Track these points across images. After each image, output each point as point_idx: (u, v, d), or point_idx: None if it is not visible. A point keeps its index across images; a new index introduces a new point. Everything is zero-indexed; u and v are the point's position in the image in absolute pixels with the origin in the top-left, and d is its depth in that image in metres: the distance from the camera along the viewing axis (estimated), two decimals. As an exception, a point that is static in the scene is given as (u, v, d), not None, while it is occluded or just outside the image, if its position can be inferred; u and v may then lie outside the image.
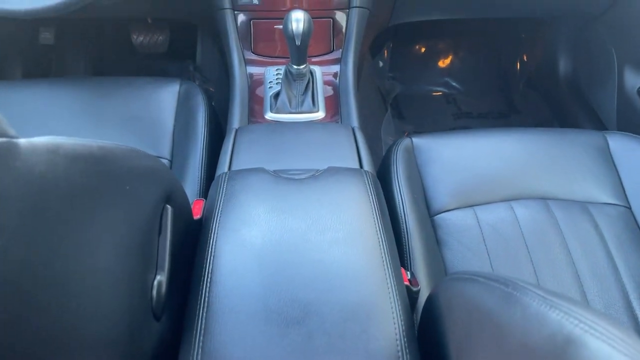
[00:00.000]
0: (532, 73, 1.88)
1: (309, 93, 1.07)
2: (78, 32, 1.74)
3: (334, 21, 1.16)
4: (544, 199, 0.99)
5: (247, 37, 1.16)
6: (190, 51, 1.79)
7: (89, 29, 1.75)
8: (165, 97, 1.10)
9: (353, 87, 1.11)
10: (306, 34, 0.96)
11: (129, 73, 1.58)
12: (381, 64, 1.88)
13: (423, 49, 1.97)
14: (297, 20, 0.94)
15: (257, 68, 1.16)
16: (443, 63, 1.98)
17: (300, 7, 1.02)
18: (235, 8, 1.14)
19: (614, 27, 1.46)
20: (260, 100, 1.09)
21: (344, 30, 1.17)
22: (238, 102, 1.08)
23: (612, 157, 1.05)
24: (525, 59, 1.91)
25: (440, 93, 1.95)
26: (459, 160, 1.04)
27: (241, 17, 1.15)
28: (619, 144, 1.06)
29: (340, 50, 1.17)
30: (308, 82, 1.07)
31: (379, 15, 1.32)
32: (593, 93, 1.62)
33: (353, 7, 1.15)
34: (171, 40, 1.79)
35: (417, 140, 1.07)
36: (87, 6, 0.95)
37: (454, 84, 1.95)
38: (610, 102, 1.51)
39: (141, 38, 1.75)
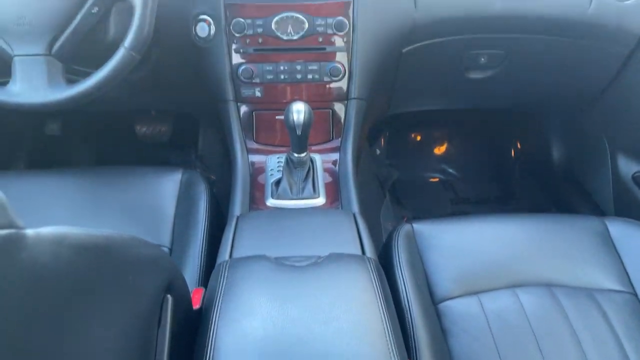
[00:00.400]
0: (527, 160, 1.93)
1: (310, 180, 1.08)
2: (83, 123, 1.79)
3: (333, 112, 1.20)
4: (548, 285, 0.98)
5: (249, 127, 1.20)
6: (192, 141, 1.83)
7: (95, 120, 1.81)
8: (167, 185, 1.11)
9: (352, 174, 1.13)
10: (307, 124, 0.99)
11: (132, 162, 1.61)
12: (378, 151, 1.92)
13: (419, 137, 2.03)
14: (298, 111, 0.98)
15: (259, 156, 1.18)
16: (439, 150, 2.03)
17: (300, 99, 1.06)
18: (239, 100, 1.19)
19: (603, 116, 1.52)
20: (262, 188, 1.11)
21: (342, 120, 1.21)
22: (240, 189, 1.09)
23: (613, 243, 1.05)
24: (519, 146, 1.96)
25: (437, 179, 1.99)
26: (461, 246, 1.03)
27: (244, 109, 1.20)
28: (619, 230, 1.06)
29: (340, 139, 1.20)
30: (309, 170, 1.09)
31: (376, 105, 1.37)
32: (588, 179, 1.65)
33: (351, 99, 1.20)
34: (174, 130, 1.85)
35: (417, 226, 1.07)
36: (95, 99, 0.99)
37: (450, 170, 1.99)
38: (606, 188, 1.53)
39: (145, 129, 1.81)
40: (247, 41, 1.15)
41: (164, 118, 1.83)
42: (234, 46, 1.16)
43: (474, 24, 1.27)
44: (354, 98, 1.19)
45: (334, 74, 1.17)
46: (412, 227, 1.07)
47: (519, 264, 1.01)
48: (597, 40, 1.29)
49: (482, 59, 1.38)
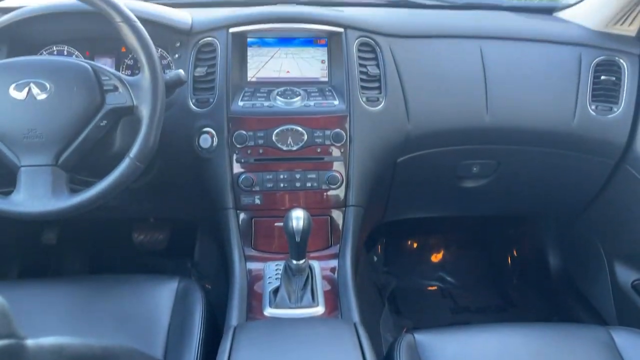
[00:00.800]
0: (524, 267, 1.92)
1: (309, 288, 1.07)
2: (80, 232, 1.79)
3: (332, 219, 1.22)
4: None
5: (248, 234, 1.21)
6: (188, 248, 1.83)
7: (91, 227, 1.81)
8: (163, 294, 1.09)
9: (352, 281, 1.12)
10: (306, 231, 1.00)
11: (128, 270, 1.59)
12: (375, 258, 1.92)
13: (415, 244, 2.03)
14: (298, 218, 0.99)
15: (257, 264, 1.17)
16: (436, 258, 2.02)
17: (299, 206, 1.08)
18: (238, 208, 1.21)
19: (596, 224, 1.54)
20: (259, 297, 1.09)
21: (341, 227, 1.22)
22: (237, 298, 1.08)
23: (620, 354, 1.02)
24: (515, 254, 1.96)
25: (435, 287, 1.96)
26: (465, 358, 1.00)
27: (243, 216, 1.21)
28: (625, 341, 1.04)
29: (338, 245, 1.21)
30: (307, 277, 1.08)
31: (373, 213, 1.39)
32: (587, 287, 1.64)
33: (349, 206, 1.22)
34: (171, 238, 1.85)
35: (419, 337, 1.04)
36: (95, 208, 1.00)
37: (448, 278, 1.97)
38: (606, 295, 1.52)
39: (142, 237, 1.81)
40: (249, 152, 1.19)
41: (161, 225, 1.84)
42: (235, 156, 1.20)
43: (464, 136, 1.33)
44: (352, 205, 1.22)
45: (332, 182, 1.20)
46: (414, 337, 1.04)
47: None
48: (583, 152, 1.35)
49: (475, 169, 1.42)
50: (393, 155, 1.31)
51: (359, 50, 1.26)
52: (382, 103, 1.24)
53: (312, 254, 1.17)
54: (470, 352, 1.02)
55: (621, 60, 1.31)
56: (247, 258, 1.18)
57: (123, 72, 1.27)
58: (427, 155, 1.36)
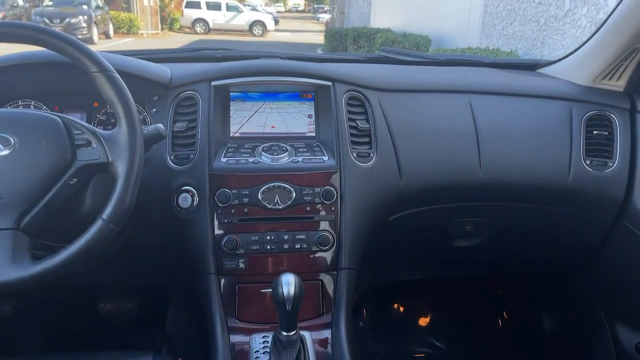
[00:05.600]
0: (517, 331, 1.83)
1: (301, 363, 0.96)
2: (38, 302, 1.63)
3: (322, 283, 1.12)
4: None
5: (231, 302, 1.09)
6: (159, 318, 1.68)
7: (51, 297, 1.65)
8: None
9: (349, 355, 1.01)
10: (297, 298, 0.90)
11: (93, 345, 1.44)
12: (362, 324, 1.80)
13: (402, 309, 1.93)
14: (288, 283, 0.90)
15: (242, 336, 1.06)
16: (424, 322, 1.92)
17: (288, 270, 0.98)
18: (221, 273, 1.10)
19: (595, 284, 1.48)
20: None
21: (332, 292, 1.12)
22: None
23: None
24: (506, 316, 1.88)
25: (424, 354, 1.84)
26: None
27: (225, 282, 1.10)
28: None
29: (330, 314, 1.10)
30: (299, 351, 0.97)
31: (363, 276, 1.30)
32: (586, 351, 1.55)
33: (341, 269, 1.12)
34: (140, 307, 1.70)
35: None
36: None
37: (437, 343, 1.86)
38: (607, 358, 1.43)
39: (108, 306, 1.65)
40: (232, 211, 1.10)
41: (130, 293, 1.70)
42: (217, 217, 1.10)
43: (458, 192, 1.28)
44: (345, 268, 1.12)
45: (323, 244, 1.11)
46: None
47: None
48: (580, 208, 1.31)
49: (468, 227, 1.36)
50: (385, 213, 1.24)
51: (348, 105, 1.21)
52: (373, 159, 1.18)
53: (302, 324, 1.06)
54: None
55: (612, 115, 1.29)
56: (231, 330, 1.06)
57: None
58: (420, 214, 1.29)
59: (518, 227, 1.37)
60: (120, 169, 0.90)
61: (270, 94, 1.24)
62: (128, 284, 1.63)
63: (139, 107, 1.17)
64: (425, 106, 1.29)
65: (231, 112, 1.22)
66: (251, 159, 1.13)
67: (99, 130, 0.94)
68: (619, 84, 1.32)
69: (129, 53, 1.33)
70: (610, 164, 1.27)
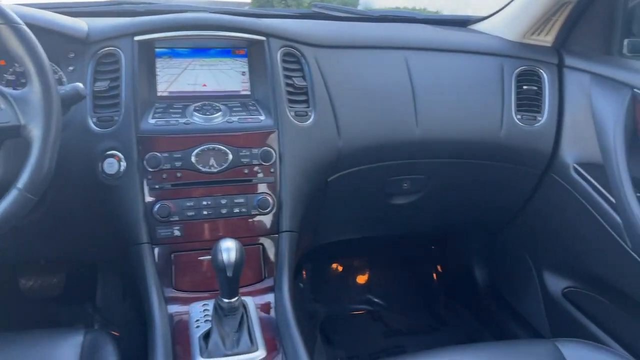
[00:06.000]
0: (451, 284, 1.90)
1: (245, 329, 0.93)
2: None
3: (264, 247, 1.09)
4: None
5: (167, 272, 1.04)
6: (88, 293, 1.59)
7: None
8: (66, 352, 0.90)
9: (293, 317, 0.99)
10: (239, 264, 0.87)
11: (16, 324, 1.34)
12: (302, 286, 1.80)
13: (341, 268, 1.94)
14: (228, 249, 0.86)
15: (180, 306, 1.01)
16: (362, 280, 1.95)
17: (227, 236, 0.94)
18: (154, 242, 1.04)
19: (523, 234, 1.54)
20: (187, 344, 0.93)
21: (274, 256, 1.09)
22: (160, 349, 0.91)
23: None
24: (441, 271, 1.94)
25: (364, 311, 1.88)
26: None
27: (160, 251, 1.04)
28: (574, 354, 1.00)
29: (272, 277, 1.08)
30: (242, 317, 0.94)
31: (304, 237, 1.28)
32: (517, 299, 1.63)
33: (283, 232, 1.09)
34: (66, 281, 1.60)
35: None
36: None
37: (376, 300, 1.90)
38: (537, 306, 1.51)
39: (31, 282, 1.55)
40: (164, 176, 1.03)
41: (55, 267, 1.59)
42: (147, 182, 1.03)
43: (396, 150, 1.27)
44: (286, 231, 1.09)
45: (263, 207, 1.08)
46: None
47: None
48: (512, 162, 1.34)
49: (405, 185, 1.37)
50: (324, 174, 1.22)
51: (284, 61, 1.15)
52: (312, 117, 1.15)
53: (243, 289, 1.03)
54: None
55: (541, 70, 1.32)
56: (168, 300, 1.01)
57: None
58: (358, 173, 1.28)
59: (453, 183, 1.39)
60: (35, 132, 0.82)
61: (200, 50, 1.16)
62: (54, 258, 1.53)
63: (53, 66, 1.05)
64: (362, 63, 1.26)
65: (157, 69, 1.13)
66: (182, 120, 1.06)
67: (7, 89, 0.84)
68: (547, 39, 1.34)
69: (39, 5, 1.20)
70: (539, 118, 1.30)
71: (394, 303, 1.89)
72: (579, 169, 1.25)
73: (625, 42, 1.27)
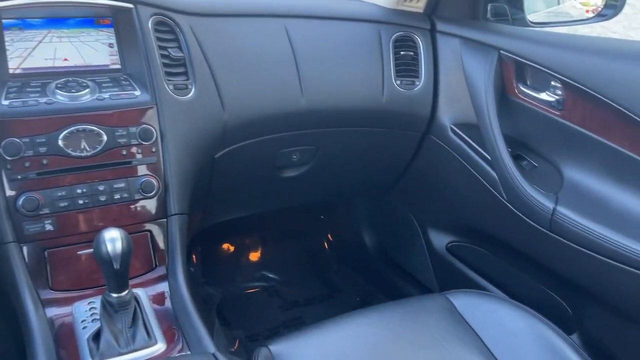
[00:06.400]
0: (342, 251, 1.94)
1: (140, 323, 0.86)
2: None
3: (152, 234, 1.01)
4: None
5: (41, 272, 0.92)
6: None
7: None
8: None
9: (192, 304, 0.93)
10: (126, 254, 0.80)
11: None
12: (192, 269, 1.72)
13: (232, 248, 1.90)
14: (113, 239, 0.79)
15: (61, 308, 0.91)
16: (255, 257, 1.92)
17: (110, 225, 0.85)
18: (22, 240, 0.91)
19: (406, 196, 1.61)
20: (74, 349, 0.84)
21: (163, 242, 1.02)
22: (42, 358, 0.81)
23: (463, 318, 1.04)
24: (332, 239, 1.97)
25: (260, 288, 1.86)
26: (330, 358, 0.93)
27: (30, 249, 0.92)
28: (464, 303, 1.07)
29: (164, 265, 1.00)
30: (135, 311, 0.86)
31: (193, 219, 1.21)
32: (405, 259, 1.71)
33: (172, 216, 1.02)
34: None
35: (276, 348, 0.93)
36: None
37: (271, 275, 1.89)
38: (424, 264, 1.59)
39: None
40: (27, 164, 0.91)
41: None
42: (7, 173, 0.90)
43: (283, 122, 1.24)
44: (175, 214, 1.02)
45: (147, 190, 0.99)
46: (270, 350, 0.93)
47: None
48: (393, 126, 1.38)
49: (294, 157, 1.35)
50: (211, 150, 1.16)
51: (156, 31, 1.06)
52: (192, 91, 1.07)
53: (133, 281, 0.95)
54: (332, 351, 0.95)
55: (415, 36, 1.35)
56: (45, 303, 0.90)
57: None
58: (246, 147, 1.23)
59: (341, 152, 1.40)
60: None
61: (56, 20, 1.03)
62: None
63: None
64: (241, 32, 1.20)
65: (7, 44, 0.98)
66: (43, 99, 0.93)
67: None
68: (419, 6, 1.38)
69: None
70: (417, 83, 1.34)
71: (289, 276, 1.89)
72: (456, 129, 1.31)
73: (489, 6, 1.34)
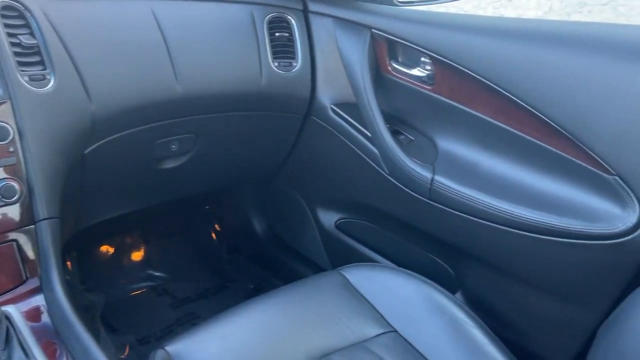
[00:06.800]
0: (231, 239, 1.90)
1: (14, 343, 0.77)
2: None
3: (19, 244, 0.90)
4: (325, 356, 0.93)
5: None
6: None
7: None
8: None
9: (74, 314, 0.85)
10: None
11: None
12: (69, 277, 1.59)
13: (112, 249, 1.77)
14: None
15: None
16: (138, 256, 1.81)
17: None
18: None
19: (294, 177, 1.61)
20: None
21: (33, 251, 0.92)
22: None
23: (358, 291, 1.08)
24: (219, 228, 1.92)
25: (146, 289, 1.76)
26: (230, 353, 0.91)
27: None
28: (357, 277, 1.11)
29: (37, 277, 0.91)
30: (8, 331, 0.77)
31: (66, 223, 1.11)
32: (296, 240, 1.72)
33: (40, 221, 0.92)
34: None
35: (173, 349, 0.89)
36: None
37: (157, 274, 1.80)
38: (315, 243, 1.61)
39: None
40: None
41: None
42: None
43: (158, 110, 1.18)
44: (45, 219, 0.92)
45: (8, 195, 0.88)
46: (167, 352, 0.88)
47: (292, 346, 0.94)
48: (275, 109, 1.36)
49: (174, 146, 1.29)
50: (80, 146, 1.06)
51: (3, 17, 0.94)
52: (52, 81, 0.97)
53: (1, 299, 0.85)
54: (232, 343, 0.93)
55: (289, 17, 1.34)
56: None
57: None
58: (120, 140, 1.15)
59: (224, 138, 1.36)
60: None
61: None
62: None
63: None
64: (102, 16, 1.10)
65: None
66: None
67: None
68: None
69: None
70: (295, 64, 1.34)
71: (177, 272, 1.81)
72: (336, 109, 1.33)
73: (359, -14, 1.37)
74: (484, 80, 1.05)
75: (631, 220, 0.88)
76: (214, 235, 1.92)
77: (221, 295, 1.74)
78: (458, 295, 1.27)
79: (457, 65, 1.09)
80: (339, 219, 1.52)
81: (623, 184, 0.89)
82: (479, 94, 1.09)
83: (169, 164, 1.32)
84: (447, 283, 1.13)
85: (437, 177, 1.14)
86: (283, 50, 1.33)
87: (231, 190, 1.81)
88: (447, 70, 1.13)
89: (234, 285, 1.79)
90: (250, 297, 1.04)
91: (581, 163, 0.95)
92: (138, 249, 1.83)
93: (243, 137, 1.40)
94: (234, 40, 1.26)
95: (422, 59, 1.19)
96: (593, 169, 0.94)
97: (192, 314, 1.64)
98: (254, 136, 1.41)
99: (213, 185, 1.59)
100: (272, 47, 1.31)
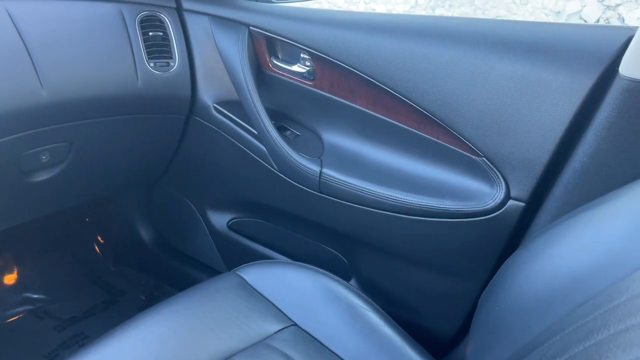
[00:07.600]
0: (117, 251, 1.80)
1: None
2: None
3: None
4: (228, 358, 0.93)
5: None
6: None
7: None
8: None
9: None
10: None
11: None
12: None
13: None
14: None
15: None
16: (11, 280, 1.66)
17: None
18: None
19: (180, 180, 1.56)
20: None
21: None
22: None
23: (255, 289, 1.08)
24: (102, 240, 1.81)
25: (23, 313, 1.62)
26: None
27: None
28: (254, 276, 1.11)
29: None
30: None
31: None
32: (187, 244, 1.67)
33: None
34: None
35: None
36: None
37: (35, 296, 1.65)
38: (208, 245, 1.58)
39: None
40: None
41: None
42: None
43: (22, 119, 1.08)
44: None
45: None
46: None
47: (193, 354, 0.92)
48: (154, 112, 1.31)
49: (44, 157, 1.19)
50: None
51: None
52: None
53: None
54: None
55: (162, 15, 1.29)
56: None
57: None
58: None
59: (101, 144, 1.28)
60: None
61: None
62: None
63: None
64: None
65: None
66: None
67: None
68: None
69: None
70: (172, 64, 1.29)
71: (59, 291, 1.68)
72: (219, 107, 1.31)
73: (234, -17, 1.35)
74: (361, 74, 1.09)
75: (499, 196, 0.97)
76: (97, 247, 1.80)
77: (111, 310, 1.65)
78: (353, 282, 1.32)
79: (335, 60, 1.12)
80: (231, 219, 1.51)
81: (490, 164, 0.98)
82: (358, 87, 1.13)
83: (40, 177, 1.22)
84: (342, 271, 1.17)
85: (324, 170, 1.17)
86: (158, 50, 1.27)
87: (113, 198, 1.71)
88: (326, 66, 1.16)
89: (124, 298, 1.69)
90: (144, 309, 1.00)
91: (453, 147, 1.03)
92: (10, 272, 1.67)
93: (122, 142, 1.32)
94: (103, 41, 1.19)
95: (302, 55, 1.21)
96: (464, 152, 1.02)
97: (79, 334, 1.53)
98: (134, 141, 1.35)
99: (92, 195, 1.50)
100: (147, 47, 1.26)
